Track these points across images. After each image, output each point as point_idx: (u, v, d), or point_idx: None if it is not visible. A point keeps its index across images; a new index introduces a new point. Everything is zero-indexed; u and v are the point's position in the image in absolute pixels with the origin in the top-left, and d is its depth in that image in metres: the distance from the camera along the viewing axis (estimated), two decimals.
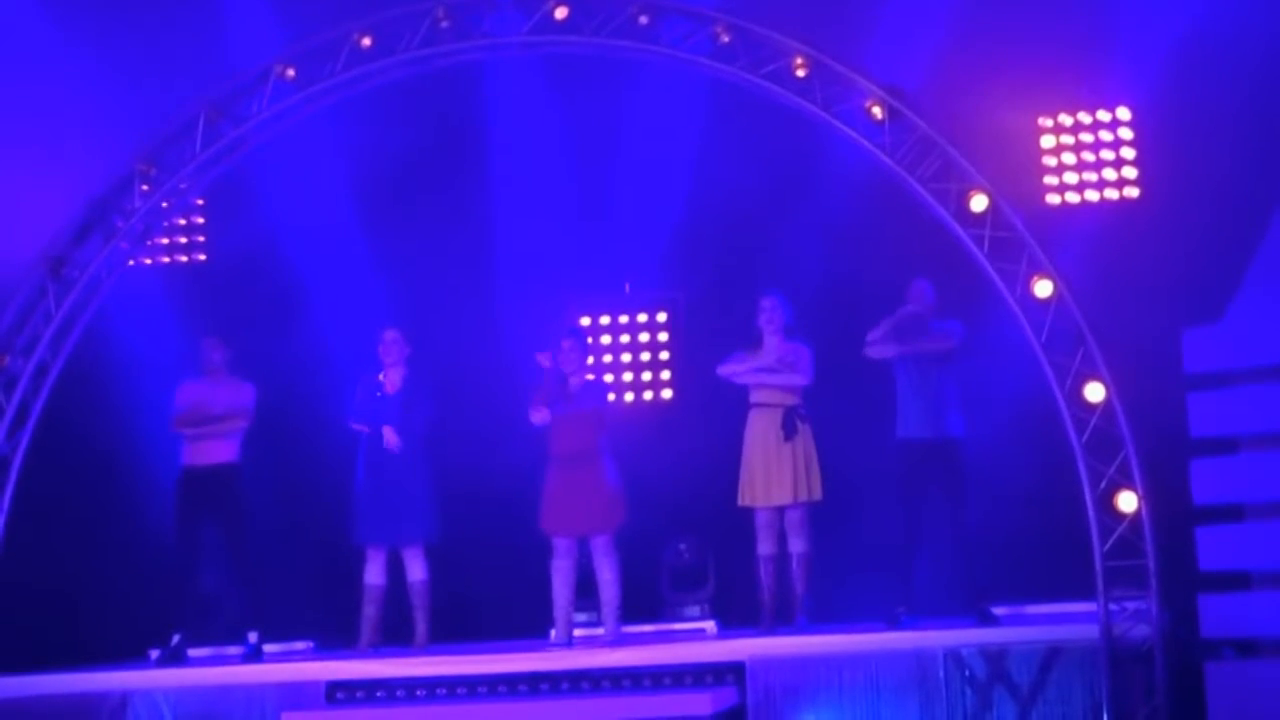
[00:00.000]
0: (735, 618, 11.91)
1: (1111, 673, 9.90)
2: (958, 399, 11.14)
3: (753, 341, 11.35)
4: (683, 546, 12.51)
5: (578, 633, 11.49)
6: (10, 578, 11.13)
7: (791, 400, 11.24)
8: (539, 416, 11.22)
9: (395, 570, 11.53)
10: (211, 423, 11.65)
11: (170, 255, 13.82)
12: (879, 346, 11.16)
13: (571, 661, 10.75)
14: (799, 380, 11.20)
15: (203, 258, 13.84)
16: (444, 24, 10.87)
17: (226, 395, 11.76)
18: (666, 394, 13.38)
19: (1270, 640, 9.86)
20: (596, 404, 11.37)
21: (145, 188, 11.14)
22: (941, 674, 10.22)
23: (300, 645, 12.19)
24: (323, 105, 11.19)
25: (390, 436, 11.40)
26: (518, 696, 10.62)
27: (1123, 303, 11.28)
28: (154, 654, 11.75)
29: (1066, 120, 12.81)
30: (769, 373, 11.20)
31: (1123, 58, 12.24)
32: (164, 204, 11.34)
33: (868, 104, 10.47)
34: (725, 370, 11.30)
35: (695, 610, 12.29)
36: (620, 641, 11.19)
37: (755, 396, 11.30)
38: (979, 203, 10.27)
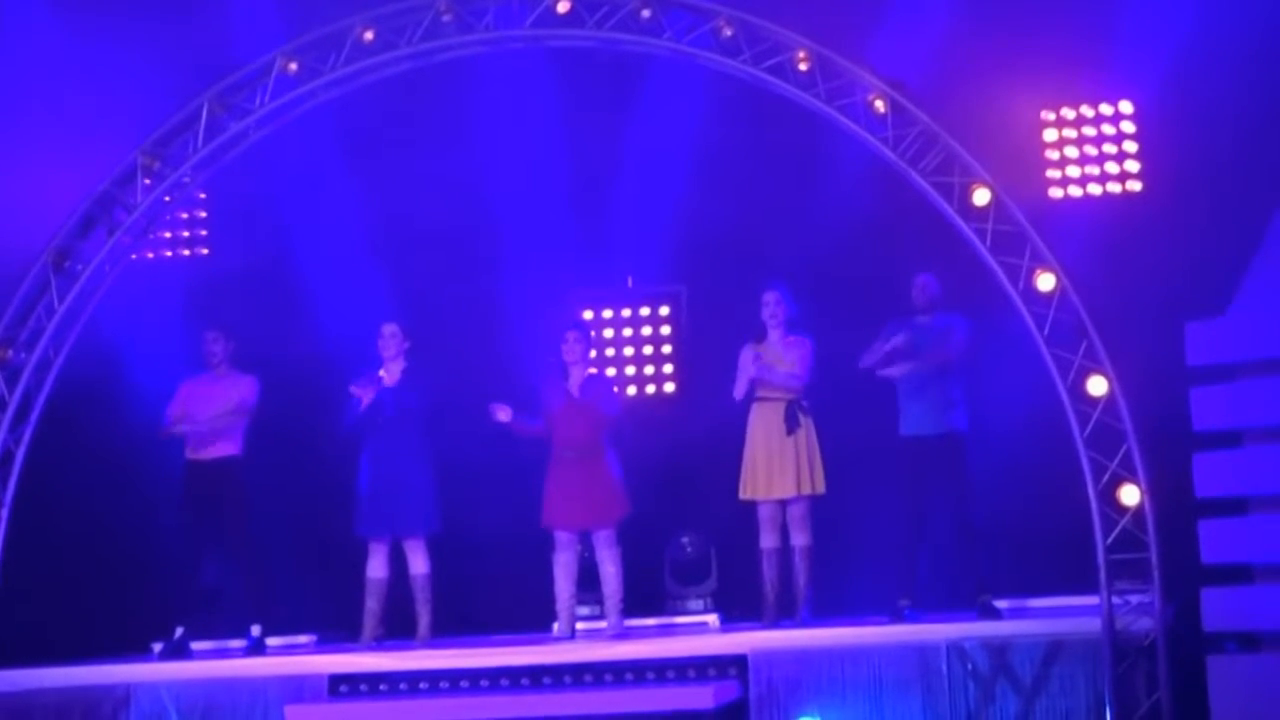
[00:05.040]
0: (738, 611, 11.92)
1: (1114, 666, 9.91)
2: (960, 394, 11.14)
3: (756, 335, 11.36)
4: (685, 540, 12.52)
5: (580, 626, 11.52)
6: (14, 571, 11.14)
7: (793, 394, 11.25)
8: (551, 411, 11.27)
9: (397, 563, 11.54)
10: (205, 422, 11.67)
11: (173, 249, 13.84)
12: (869, 359, 11.16)
13: (574, 655, 10.76)
14: (795, 381, 11.21)
15: (205, 252, 13.86)
16: (446, 18, 10.87)
17: (228, 390, 11.78)
18: (669, 388, 13.39)
19: (1273, 634, 9.85)
20: (599, 398, 11.37)
21: (148, 181, 11.15)
22: (944, 667, 10.23)
23: (303, 638, 12.22)
24: (325, 99, 11.19)
25: (362, 391, 11.37)
26: (520, 689, 10.62)
27: (1125, 296, 11.27)
28: (157, 647, 11.77)
29: (1069, 114, 12.80)
30: (768, 369, 11.20)
31: (1126, 51, 12.22)
32: (166, 198, 11.34)
33: (870, 98, 10.47)
34: (740, 391, 11.28)
35: (698, 604, 12.31)
36: (622, 635, 11.21)
37: (758, 390, 11.31)
38: (981, 196, 10.28)
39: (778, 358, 11.28)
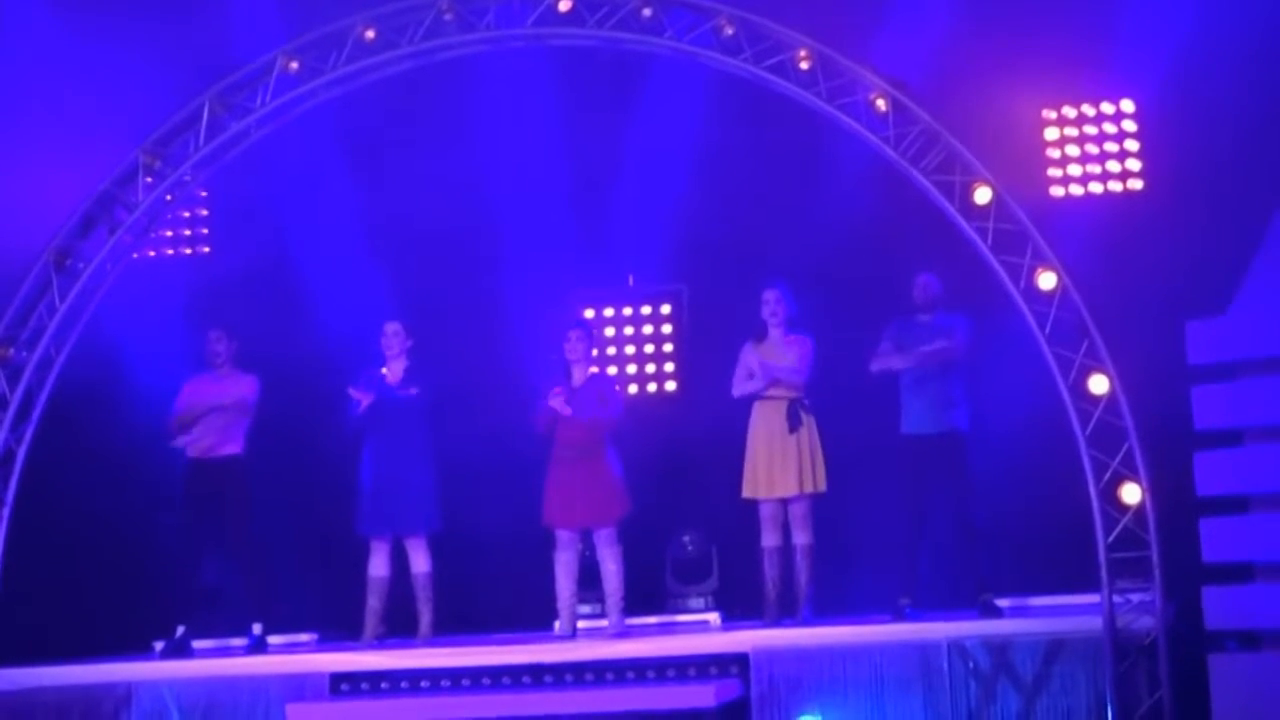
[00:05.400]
0: (739, 610, 11.93)
1: (1115, 665, 9.90)
2: (961, 392, 11.14)
3: (756, 334, 11.37)
4: (687, 538, 12.53)
5: (581, 624, 11.52)
6: (15, 570, 11.14)
7: (795, 392, 11.25)
8: (557, 403, 11.22)
9: (399, 562, 11.55)
10: (207, 415, 11.66)
11: (174, 248, 13.85)
12: (882, 361, 11.17)
13: (575, 653, 10.75)
14: (796, 376, 11.21)
15: (206, 250, 13.87)
16: (447, 17, 10.87)
17: (230, 389, 11.78)
18: (670, 386, 13.40)
19: (1274, 632, 9.86)
20: (601, 396, 11.37)
21: (149, 180, 11.15)
22: (945, 666, 10.23)
23: (304, 637, 12.23)
24: (326, 98, 11.19)
25: (361, 395, 11.38)
26: (521, 688, 10.62)
27: (1126, 295, 11.28)
28: (158, 646, 11.78)
29: (1070, 112, 12.81)
30: (773, 366, 11.21)
31: (1127, 50, 12.22)
32: (168, 197, 11.34)
33: (871, 97, 10.47)
34: (739, 393, 11.30)
35: (699, 602, 12.32)
36: (624, 633, 11.21)
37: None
38: (983, 195, 10.27)
39: (781, 356, 11.29)
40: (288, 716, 10.50)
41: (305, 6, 11.72)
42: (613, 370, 13.18)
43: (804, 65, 10.54)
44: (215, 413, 11.70)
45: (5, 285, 11.24)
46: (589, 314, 13.19)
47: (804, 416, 11.20)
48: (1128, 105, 12.72)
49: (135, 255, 11.64)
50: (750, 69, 10.63)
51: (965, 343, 11.16)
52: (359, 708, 10.67)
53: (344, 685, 10.85)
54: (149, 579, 12.31)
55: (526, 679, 10.67)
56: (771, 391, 11.26)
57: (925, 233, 11.04)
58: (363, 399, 11.40)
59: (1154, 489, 9.95)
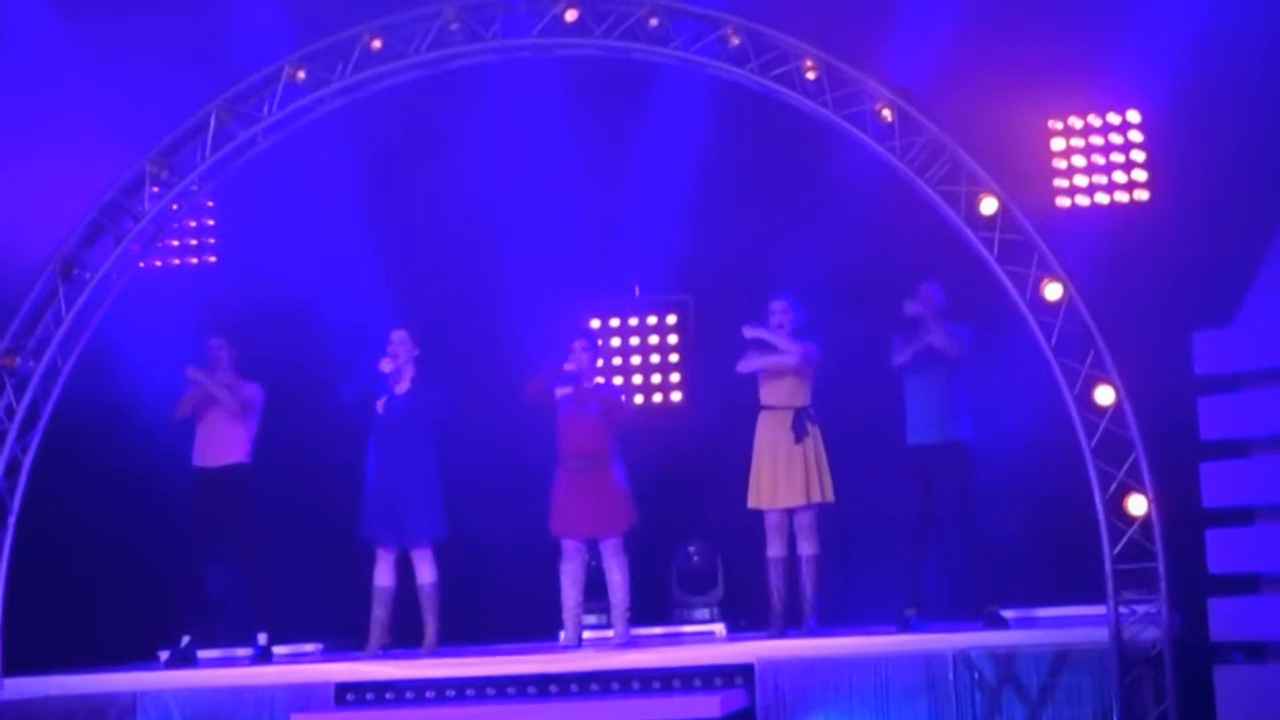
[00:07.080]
0: (744, 620, 11.93)
1: (1121, 676, 9.89)
2: (967, 403, 11.14)
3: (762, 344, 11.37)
4: (692, 549, 12.52)
5: (587, 635, 11.52)
6: (22, 579, 11.15)
7: (801, 402, 11.25)
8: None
9: (404, 572, 11.54)
10: (208, 409, 11.68)
11: (181, 257, 13.85)
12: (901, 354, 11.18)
13: (581, 663, 10.75)
14: (790, 360, 11.13)
15: (213, 259, 13.87)
16: (454, 26, 10.88)
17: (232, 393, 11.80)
18: (676, 396, 13.39)
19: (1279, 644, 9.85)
20: (607, 406, 11.38)
21: (156, 190, 11.16)
22: (951, 677, 10.22)
23: (309, 647, 12.22)
24: (333, 107, 11.20)
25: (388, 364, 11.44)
26: (526, 698, 10.61)
27: (1133, 305, 11.27)
28: (163, 655, 11.77)
29: (1077, 123, 12.81)
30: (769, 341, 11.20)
31: (1133, 60, 12.23)
32: (174, 206, 11.35)
33: (877, 106, 10.47)
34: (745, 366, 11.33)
35: (704, 613, 12.32)
36: (629, 644, 11.21)
37: (765, 399, 11.31)
38: (989, 205, 10.27)
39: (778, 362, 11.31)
40: None
41: (312, 16, 11.74)
42: (619, 380, 13.16)
43: (810, 75, 10.54)
44: (219, 417, 11.71)
45: (12, 294, 11.25)
46: (595, 324, 13.21)
47: (809, 427, 11.20)
48: (1134, 116, 12.71)
49: (142, 265, 11.66)
50: (757, 79, 10.63)
51: (969, 345, 11.11)
52: (364, 718, 10.67)
53: (349, 695, 10.84)
54: (154, 588, 12.30)
55: (532, 689, 10.66)
56: (778, 400, 11.25)
57: (931, 243, 11.03)
58: (386, 368, 11.39)
59: (1160, 500, 9.93)
